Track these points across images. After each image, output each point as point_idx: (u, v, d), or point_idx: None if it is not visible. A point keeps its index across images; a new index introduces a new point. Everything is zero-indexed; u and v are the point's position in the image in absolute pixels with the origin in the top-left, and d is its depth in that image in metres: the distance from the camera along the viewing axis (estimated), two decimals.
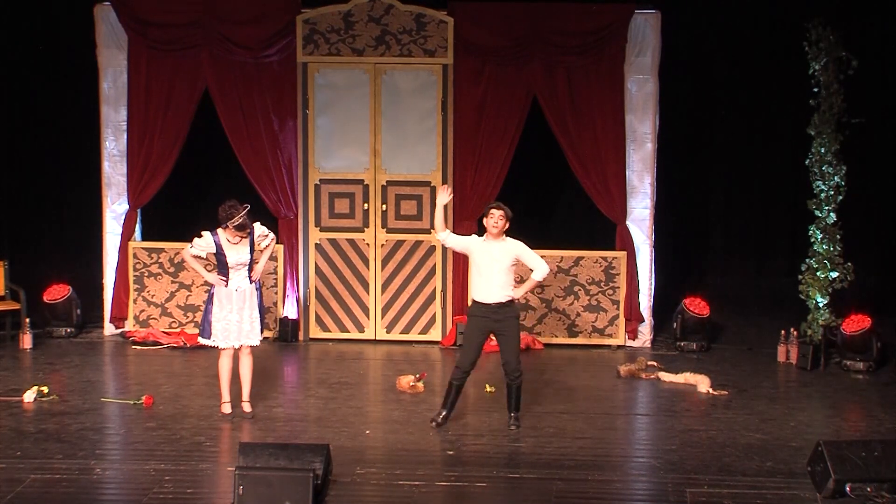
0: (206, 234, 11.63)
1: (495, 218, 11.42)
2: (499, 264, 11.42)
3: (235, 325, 11.69)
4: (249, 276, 11.73)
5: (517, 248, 11.55)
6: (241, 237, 11.60)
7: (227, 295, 11.69)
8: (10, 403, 12.26)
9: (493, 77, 15.10)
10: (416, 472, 10.25)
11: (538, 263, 11.61)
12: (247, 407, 11.96)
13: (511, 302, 11.50)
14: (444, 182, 15.01)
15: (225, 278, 11.64)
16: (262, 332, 11.88)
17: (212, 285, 11.75)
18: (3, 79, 17.61)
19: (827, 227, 14.70)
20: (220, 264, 11.63)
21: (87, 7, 15.39)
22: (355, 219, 15.27)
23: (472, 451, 10.95)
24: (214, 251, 11.59)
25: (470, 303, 11.72)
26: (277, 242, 15.32)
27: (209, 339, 11.74)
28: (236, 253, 11.61)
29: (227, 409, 11.89)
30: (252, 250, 11.71)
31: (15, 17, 17.38)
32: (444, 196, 11.60)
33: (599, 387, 13.39)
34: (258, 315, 11.80)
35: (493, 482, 10.07)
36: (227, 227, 11.50)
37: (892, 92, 16.98)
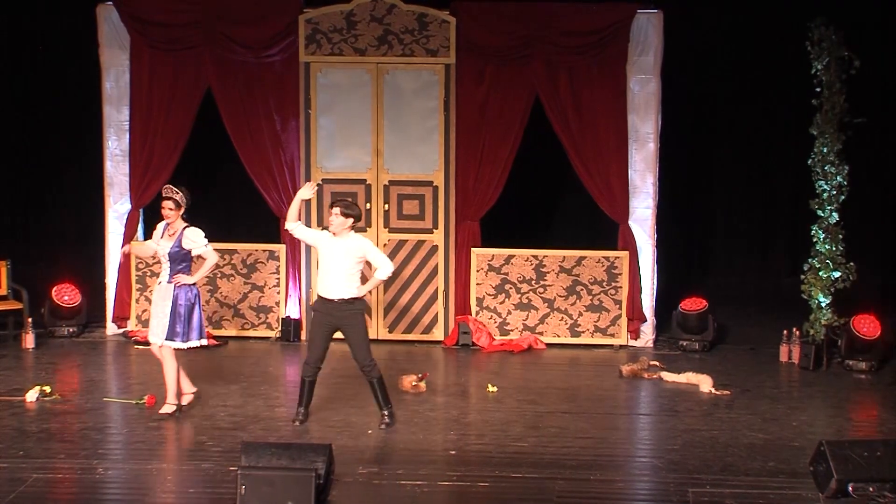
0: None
1: (332, 216, 11.49)
2: (343, 261, 11.44)
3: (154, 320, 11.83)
4: (170, 275, 11.75)
5: (363, 246, 11.59)
6: (169, 233, 11.69)
7: (156, 287, 11.85)
8: (12, 403, 12.26)
9: (495, 77, 15.10)
10: (418, 471, 10.25)
11: (382, 262, 11.64)
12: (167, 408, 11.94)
13: (355, 299, 11.51)
14: (447, 182, 15.03)
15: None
16: (171, 337, 11.69)
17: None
18: (5, 78, 17.64)
19: (829, 227, 14.70)
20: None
21: (90, 7, 15.39)
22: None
23: (474, 451, 10.94)
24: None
25: (315, 297, 11.65)
26: (280, 242, 15.35)
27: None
28: (163, 243, 11.73)
29: (168, 408, 11.91)
30: (178, 248, 11.69)
31: (17, 16, 17.42)
32: (308, 191, 11.74)
33: (602, 386, 13.39)
34: (168, 314, 11.71)
35: (496, 482, 10.06)
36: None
37: (895, 92, 16.96)
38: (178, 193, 11.72)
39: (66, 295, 15.36)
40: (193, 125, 15.35)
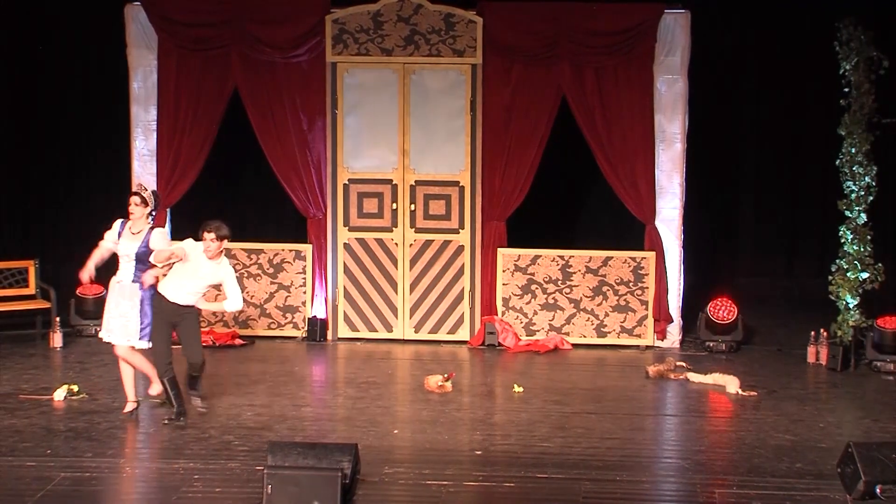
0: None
1: (206, 242, 11.56)
2: (202, 279, 11.66)
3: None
4: (135, 275, 11.72)
5: (224, 274, 11.78)
6: (133, 231, 11.68)
7: (116, 287, 11.81)
8: (40, 402, 12.32)
9: (521, 77, 15.08)
10: (444, 471, 10.25)
11: (234, 295, 11.82)
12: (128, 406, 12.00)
13: (192, 305, 11.77)
14: (473, 182, 15.04)
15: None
16: (143, 337, 11.71)
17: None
18: (33, 79, 17.72)
19: (857, 228, 14.62)
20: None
21: (118, 7, 15.45)
22: (384, 218, 15.28)
23: (500, 451, 10.94)
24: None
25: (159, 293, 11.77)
26: (306, 242, 15.37)
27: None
28: (127, 243, 11.70)
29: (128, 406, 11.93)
30: (146, 248, 11.65)
31: (46, 17, 17.48)
32: (150, 277, 11.70)
33: (628, 387, 13.36)
34: (138, 314, 11.71)
35: (521, 482, 10.06)
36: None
37: None
38: (146, 191, 11.77)
39: (94, 294, 15.40)
40: (220, 125, 15.38)
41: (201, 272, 11.62)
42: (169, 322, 11.66)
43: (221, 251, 11.64)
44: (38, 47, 17.65)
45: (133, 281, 11.66)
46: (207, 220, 11.66)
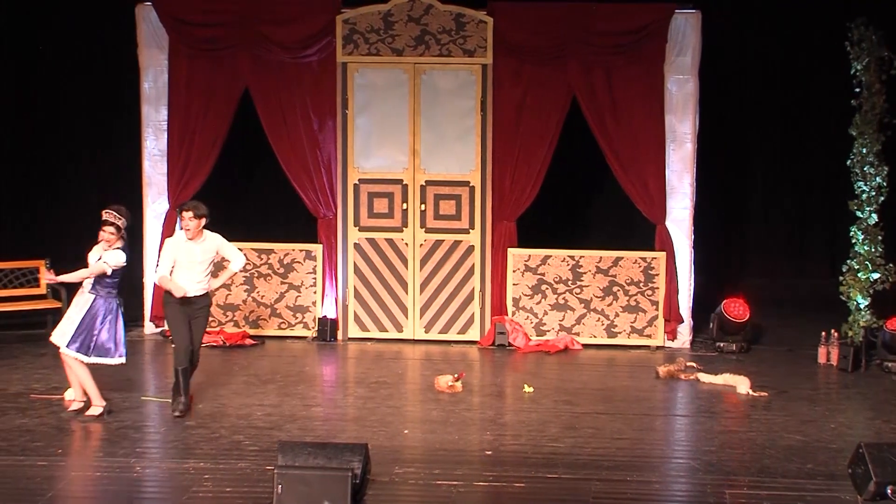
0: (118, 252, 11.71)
1: (185, 221, 11.86)
2: (200, 264, 11.95)
3: None
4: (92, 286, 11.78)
5: (216, 243, 12.08)
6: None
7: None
8: (51, 401, 12.34)
9: (532, 77, 15.09)
10: (454, 471, 10.25)
11: (235, 256, 12.15)
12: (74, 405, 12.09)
13: (206, 294, 12.11)
14: (484, 182, 15.04)
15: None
16: (68, 343, 11.74)
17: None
18: (44, 78, 17.75)
19: (868, 228, 14.62)
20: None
21: (129, 7, 15.47)
22: (394, 218, 15.29)
23: (510, 452, 10.94)
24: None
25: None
26: (317, 242, 15.39)
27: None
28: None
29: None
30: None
31: (57, 16, 17.52)
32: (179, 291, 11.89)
33: (638, 387, 13.35)
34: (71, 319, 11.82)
35: (531, 482, 10.05)
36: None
37: None
38: (120, 219, 11.73)
39: None
40: (231, 125, 15.40)
41: (194, 256, 11.90)
42: (187, 315, 11.93)
43: (201, 229, 11.89)
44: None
45: (89, 291, 11.75)
46: (184, 202, 12.04)
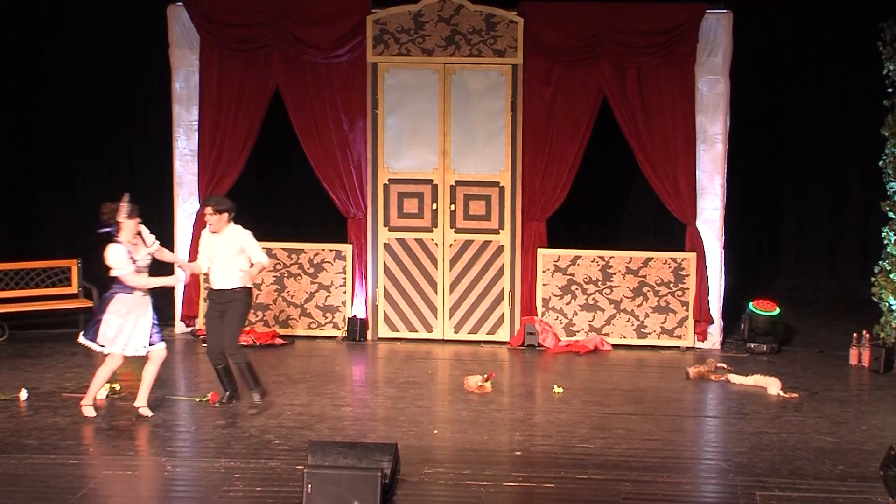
0: (116, 247, 11.81)
1: (207, 217, 12.09)
2: (223, 256, 12.01)
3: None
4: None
5: (241, 240, 12.07)
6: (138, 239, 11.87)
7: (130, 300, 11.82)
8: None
9: (562, 77, 15.06)
10: (483, 472, 10.25)
11: (257, 256, 12.06)
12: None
13: (239, 288, 12.03)
14: (514, 183, 15.03)
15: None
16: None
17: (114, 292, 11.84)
18: (76, 79, 17.82)
19: None
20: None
21: (160, 7, 15.53)
22: (424, 219, 15.30)
23: (539, 452, 10.93)
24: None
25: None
26: (347, 242, 15.42)
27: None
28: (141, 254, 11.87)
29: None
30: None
31: (89, 17, 17.59)
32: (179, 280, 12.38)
33: (668, 388, 13.32)
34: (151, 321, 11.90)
35: (561, 483, 10.04)
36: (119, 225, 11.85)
37: None
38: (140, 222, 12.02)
39: None
40: (262, 125, 15.43)
41: (216, 249, 12.03)
42: (216, 311, 12.08)
43: (224, 223, 12.00)
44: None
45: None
46: (208, 196, 12.14)
